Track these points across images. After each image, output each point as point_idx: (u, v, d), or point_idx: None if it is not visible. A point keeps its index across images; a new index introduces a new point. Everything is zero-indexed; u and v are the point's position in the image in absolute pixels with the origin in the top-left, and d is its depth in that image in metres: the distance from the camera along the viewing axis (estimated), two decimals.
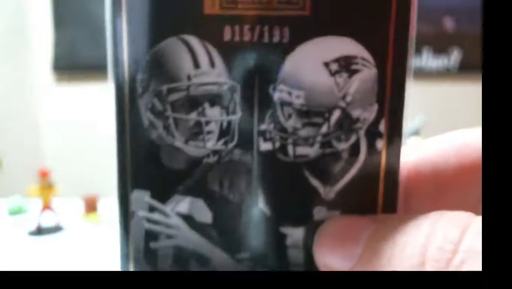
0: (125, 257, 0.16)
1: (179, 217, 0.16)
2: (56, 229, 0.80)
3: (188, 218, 0.16)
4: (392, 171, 0.15)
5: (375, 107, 0.14)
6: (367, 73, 0.14)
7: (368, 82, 0.14)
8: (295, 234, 0.15)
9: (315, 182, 0.15)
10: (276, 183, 0.15)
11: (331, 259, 0.15)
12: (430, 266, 0.12)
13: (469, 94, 1.19)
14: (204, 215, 0.16)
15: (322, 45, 0.14)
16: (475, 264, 0.12)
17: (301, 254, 0.15)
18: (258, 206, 0.15)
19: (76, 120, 1.43)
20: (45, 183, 0.80)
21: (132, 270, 0.16)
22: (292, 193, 0.15)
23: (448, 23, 1.32)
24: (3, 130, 1.28)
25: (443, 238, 0.12)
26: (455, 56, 1.34)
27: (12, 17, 1.35)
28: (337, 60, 0.14)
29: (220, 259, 0.16)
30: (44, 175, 0.80)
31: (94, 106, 1.42)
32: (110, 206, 0.94)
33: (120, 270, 0.16)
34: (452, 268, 0.12)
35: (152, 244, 0.16)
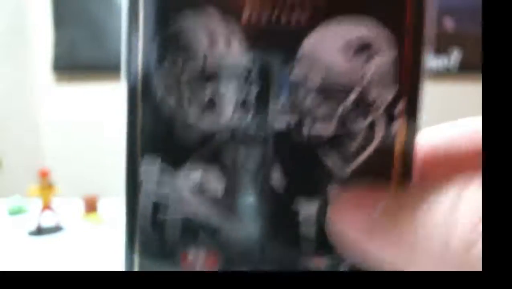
0: (131, 227, 0.16)
1: (190, 187, 0.16)
2: (56, 229, 0.80)
3: (199, 188, 0.16)
4: (408, 153, 0.15)
5: (393, 89, 0.14)
6: (385, 55, 0.14)
7: (385, 65, 0.14)
8: (308, 210, 0.15)
9: (329, 161, 0.15)
10: (290, 160, 0.15)
11: (347, 224, 0.14)
12: (458, 236, 0.12)
13: (469, 94, 1.19)
14: (216, 187, 0.16)
15: (340, 28, 0.14)
16: None
17: (313, 230, 0.15)
18: (271, 181, 0.15)
19: (76, 120, 1.43)
20: (45, 183, 0.80)
21: (138, 241, 0.16)
22: (306, 170, 0.15)
23: (448, 23, 1.32)
24: (3, 130, 1.28)
25: (471, 204, 0.12)
26: (455, 56, 1.34)
27: (12, 17, 1.35)
28: (355, 43, 0.14)
29: (230, 230, 0.16)
30: (44, 175, 0.80)
31: (94, 106, 1.42)
32: (110, 206, 0.94)
33: (125, 243, 0.16)
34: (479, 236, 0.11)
35: (161, 215, 0.16)
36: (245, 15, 0.15)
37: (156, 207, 0.16)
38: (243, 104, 0.15)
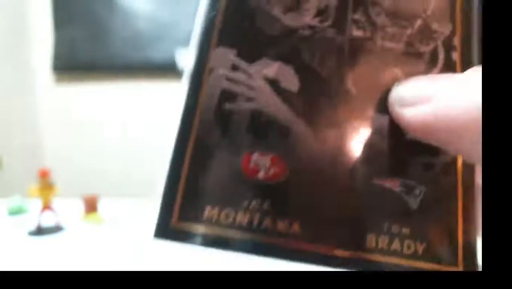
0: (189, 115, 0.15)
1: (264, 80, 0.15)
2: (56, 229, 0.80)
3: (273, 83, 0.15)
4: None
5: (449, 25, 0.17)
6: None
7: (442, 4, 0.17)
8: (380, 120, 0.15)
9: (399, 74, 0.16)
10: (364, 67, 0.16)
11: (408, 96, 0.15)
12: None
13: None
14: (292, 82, 0.15)
15: None
16: None
17: (385, 142, 0.15)
18: (346, 85, 0.16)
19: (76, 120, 1.43)
20: (45, 183, 0.80)
21: (195, 133, 0.14)
22: (379, 80, 0.16)
23: None
24: (3, 130, 1.28)
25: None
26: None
27: (12, 17, 1.35)
28: None
29: (302, 132, 0.15)
30: (44, 175, 0.80)
31: (94, 106, 1.42)
32: (110, 206, 0.94)
33: (178, 130, 0.14)
34: None
35: (228, 105, 0.15)
36: None
37: (225, 95, 0.15)
38: (324, 10, 0.16)
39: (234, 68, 0.15)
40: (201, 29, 0.16)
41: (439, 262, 0.14)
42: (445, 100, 0.14)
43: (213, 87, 0.15)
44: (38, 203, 0.81)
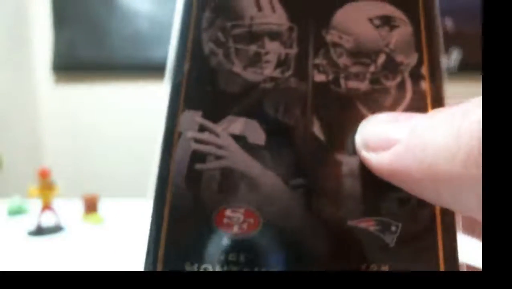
0: (162, 183, 0.15)
1: (231, 137, 0.16)
2: (56, 229, 0.80)
3: (240, 139, 0.16)
4: (437, 107, 0.16)
5: (415, 54, 0.17)
6: (404, 29, 0.17)
7: (406, 36, 0.17)
8: (350, 163, 0.15)
9: (367, 113, 0.16)
10: (330, 111, 0.16)
11: (371, 140, 0.15)
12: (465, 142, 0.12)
13: (469, 94, 1.19)
14: (258, 136, 0.16)
15: (365, 5, 0.17)
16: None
17: (357, 184, 0.15)
18: (313, 132, 0.16)
19: (76, 120, 1.43)
20: (45, 183, 0.80)
21: (169, 197, 0.15)
22: (346, 122, 0.16)
23: (448, 23, 1.32)
24: (3, 130, 1.28)
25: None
26: (455, 56, 1.34)
27: (12, 17, 1.35)
28: (379, 18, 0.17)
29: (272, 183, 0.15)
30: (44, 175, 0.80)
31: (94, 106, 1.42)
32: (110, 206, 0.94)
33: (154, 196, 0.15)
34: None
35: (198, 166, 0.15)
36: None
37: (194, 156, 0.15)
38: (285, 60, 0.17)
39: (202, 129, 0.16)
40: (168, 95, 0.16)
41: None
42: (413, 140, 0.13)
43: (183, 150, 0.16)
44: (38, 203, 0.81)
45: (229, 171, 0.15)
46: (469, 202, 0.13)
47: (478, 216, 0.13)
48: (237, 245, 0.15)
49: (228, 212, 0.15)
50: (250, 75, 0.16)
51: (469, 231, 0.17)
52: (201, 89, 0.16)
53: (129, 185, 1.41)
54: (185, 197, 0.15)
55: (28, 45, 1.41)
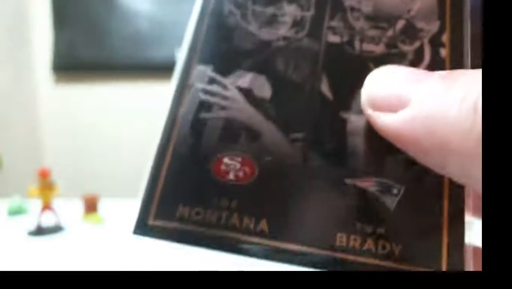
0: (169, 128, 0.16)
1: (238, 90, 0.16)
2: (56, 229, 0.80)
3: (247, 92, 0.16)
4: None
5: (437, 22, 0.16)
6: None
7: (429, 3, 0.17)
8: (356, 121, 0.15)
9: None
10: (341, 71, 0.16)
11: (380, 97, 0.14)
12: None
13: None
14: (264, 90, 0.16)
15: None
16: None
17: (360, 142, 0.15)
18: (321, 90, 0.16)
19: (76, 120, 1.43)
20: (45, 183, 0.80)
21: (173, 142, 0.16)
22: (356, 82, 0.15)
23: None
24: (3, 130, 1.28)
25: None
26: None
27: (12, 17, 1.35)
28: None
29: (272, 135, 0.15)
30: (44, 175, 0.80)
31: (94, 106, 1.42)
32: (110, 206, 0.94)
33: (160, 138, 0.16)
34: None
35: (203, 114, 0.16)
36: None
37: (201, 106, 0.16)
38: (300, 21, 0.17)
39: (211, 81, 0.16)
40: (186, 50, 0.17)
41: (418, 262, 0.14)
42: (426, 106, 0.12)
43: (191, 100, 0.16)
44: (38, 203, 0.81)
45: (231, 121, 0.16)
46: (478, 176, 0.12)
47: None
48: (230, 191, 0.15)
49: (226, 160, 0.15)
50: (265, 34, 0.17)
51: (478, 213, 0.16)
52: (216, 46, 0.17)
53: (129, 185, 1.41)
54: (187, 142, 0.16)
55: (28, 45, 1.41)
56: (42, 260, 0.67)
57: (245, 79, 0.16)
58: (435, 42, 0.16)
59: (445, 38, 0.16)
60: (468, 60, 0.16)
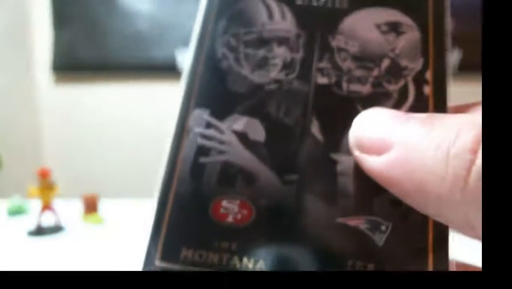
0: (170, 172, 0.17)
1: (234, 134, 0.17)
2: (56, 229, 0.80)
3: (242, 135, 0.17)
4: (439, 113, 0.16)
5: (421, 60, 0.17)
6: (412, 35, 0.17)
7: (413, 41, 0.17)
8: (346, 162, 0.16)
9: None
10: (330, 112, 0.17)
11: (366, 141, 0.15)
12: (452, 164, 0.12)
13: (469, 94, 1.19)
14: (258, 133, 0.17)
15: (374, 12, 0.18)
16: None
17: (350, 182, 0.16)
18: (312, 131, 0.17)
19: (76, 120, 1.43)
20: (45, 183, 0.80)
21: (175, 186, 0.16)
22: (345, 123, 0.16)
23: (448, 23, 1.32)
24: (3, 130, 1.28)
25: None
26: (455, 56, 1.34)
27: (12, 17, 1.35)
28: (386, 24, 0.18)
29: (267, 178, 0.16)
30: (44, 175, 0.80)
31: (94, 106, 1.42)
32: (110, 206, 0.94)
33: (162, 184, 0.16)
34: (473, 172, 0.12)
35: (202, 159, 0.17)
36: (299, 0, 0.18)
37: (200, 150, 0.17)
38: (290, 64, 0.18)
39: (208, 126, 0.17)
40: (182, 94, 0.18)
41: None
42: (406, 151, 0.13)
43: (190, 145, 0.17)
44: (38, 203, 0.81)
45: (229, 165, 0.17)
46: (455, 220, 0.13)
47: (464, 232, 0.13)
48: (230, 234, 0.16)
49: (224, 203, 0.16)
50: (257, 77, 0.18)
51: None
52: (211, 90, 0.18)
53: (129, 185, 1.41)
54: (188, 187, 0.16)
55: (28, 45, 1.41)
56: (42, 260, 0.67)
57: (240, 123, 0.17)
58: (419, 80, 0.17)
59: (428, 75, 0.17)
60: (449, 97, 0.17)
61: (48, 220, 0.81)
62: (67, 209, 0.90)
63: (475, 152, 0.12)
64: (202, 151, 0.17)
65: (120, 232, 0.80)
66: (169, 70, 1.32)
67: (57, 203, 0.83)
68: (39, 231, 0.79)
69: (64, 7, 1.37)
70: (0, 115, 1.28)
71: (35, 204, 0.86)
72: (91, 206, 0.88)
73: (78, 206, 0.90)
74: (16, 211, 0.91)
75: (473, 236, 0.13)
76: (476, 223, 0.12)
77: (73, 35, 1.37)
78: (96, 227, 0.83)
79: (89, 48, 1.37)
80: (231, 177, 0.16)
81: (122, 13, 1.35)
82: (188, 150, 0.17)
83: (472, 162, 0.12)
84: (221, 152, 0.17)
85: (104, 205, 0.93)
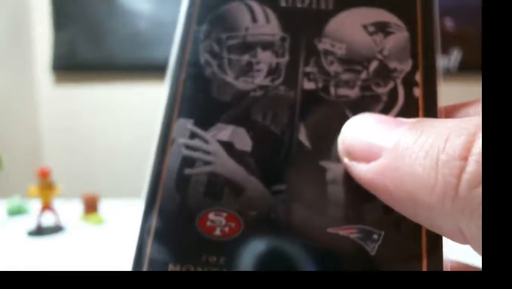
0: (154, 185, 0.16)
1: (219, 144, 0.16)
2: (56, 229, 0.80)
3: (227, 145, 0.16)
4: (429, 116, 0.16)
5: (410, 61, 0.16)
6: (400, 35, 0.17)
7: (401, 42, 0.17)
8: (335, 170, 0.15)
9: None
10: (318, 119, 0.16)
11: (356, 148, 0.14)
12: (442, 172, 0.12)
13: (469, 94, 1.19)
14: (244, 143, 0.16)
15: (361, 12, 0.17)
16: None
17: (340, 190, 0.15)
18: (299, 139, 0.16)
19: (76, 120, 1.43)
20: (45, 183, 0.80)
21: (159, 199, 0.16)
22: (333, 129, 0.16)
23: (448, 23, 1.32)
24: (3, 130, 1.28)
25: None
26: (455, 56, 1.34)
27: (12, 17, 1.35)
28: (373, 24, 0.17)
29: (255, 189, 0.16)
30: (44, 175, 0.80)
31: (94, 106, 1.42)
32: (110, 206, 0.94)
33: (145, 198, 0.16)
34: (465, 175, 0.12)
35: (187, 170, 0.16)
36: (283, 2, 0.17)
37: (184, 161, 0.16)
38: (275, 69, 0.17)
39: (192, 136, 0.16)
40: (165, 103, 0.17)
41: None
42: (394, 159, 0.13)
43: (174, 156, 0.16)
44: (38, 203, 0.81)
45: (215, 176, 0.16)
46: (446, 228, 0.13)
47: (455, 240, 0.13)
48: (218, 248, 0.15)
49: (211, 215, 0.15)
50: (241, 84, 0.17)
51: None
52: (194, 98, 0.17)
53: (129, 185, 1.41)
54: (173, 200, 0.16)
55: (28, 45, 1.41)
56: (42, 260, 0.67)
57: (226, 132, 0.16)
58: (408, 82, 0.16)
59: (418, 77, 0.16)
60: (439, 98, 0.16)
61: (48, 220, 0.81)
62: (67, 209, 0.90)
63: (465, 159, 0.12)
64: (187, 162, 0.16)
65: (120, 232, 0.80)
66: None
67: (57, 203, 0.83)
68: (39, 231, 0.79)
69: (64, 7, 1.36)
70: (0, 115, 1.28)
71: (35, 204, 0.86)
72: (91, 206, 0.88)
73: (78, 206, 0.90)
74: (16, 211, 0.91)
75: (464, 243, 0.13)
76: (467, 232, 0.12)
77: (73, 35, 1.37)
78: (96, 227, 0.83)
79: (89, 48, 1.37)
80: (218, 189, 0.16)
81: (122, 13, 1.35)
82: (172, 161, 0.16)
83: (462, 169, 0.12)
84: (206, 163, 0.16)
85: (104, 205, 0.93)
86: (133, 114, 1.40)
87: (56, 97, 1.43)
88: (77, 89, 1.42)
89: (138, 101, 1.39)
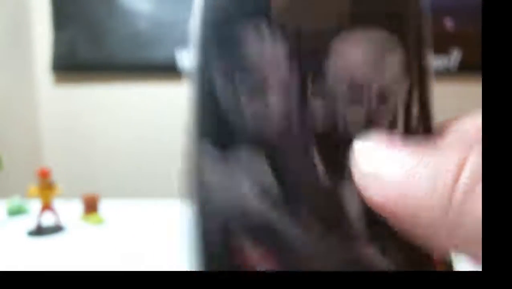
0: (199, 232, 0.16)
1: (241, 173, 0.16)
2: (56, 229, 0.80)
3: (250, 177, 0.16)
4: (427, 130, 0.17)
5: (407, 80, 0.17)
6: (399, 56, 0.17)
7: (400, 62, 0.17)
8: (350, 189, 0.16)
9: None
10: (329, 141, 0.17)
11: (365, 170, 0.15)
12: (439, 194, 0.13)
13: (469, 94, 1.19)
14: (268, 183, 0.16)
15: (363, 33, 0.17)
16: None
17: (356, 209, 0.16)
18: (317, 173, 0.16)
19: (76, 120, 1.43)
20: (45, 183, 0.80)
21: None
22: (344, 152, 0.16)
23: (448, 23, 1.32)
24: (3, 130, 1.28)
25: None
26: (455, 56, 1.34)
27: (12, 17, 1.35)
28: (375, 46, 0.17)
29: (282, 232, 0.16)
30: (44, 175, 0.80)
31: (94, 106, 1.42)
32: (110, 206, 0.94)
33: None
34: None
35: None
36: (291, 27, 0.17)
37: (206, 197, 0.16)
38: (286, 91, 0.17)
39: (215, 164, 0.17)
40: (193, 131, 0.17)
41: None
42: (398, 185, 0.14)
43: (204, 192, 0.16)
44: (38, 203, 0.81)
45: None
46: (438, 246, 0.13)
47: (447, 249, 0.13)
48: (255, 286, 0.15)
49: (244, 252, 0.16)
50: (254, 108, 0.17)
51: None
52: (214, 127, 0.17)
53: (129, 185, 1.41)
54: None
55: (28, 45, 1.41)
56: (42, 260, 0.67)
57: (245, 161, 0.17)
58: (407, 102, 0.17)
59: (414, 95, 0.17)
60: (433, 115, 0.17)
61: (48, 220, 0.81)
62: (67, 209, 0.90)
63: (456, 182, 0.12)
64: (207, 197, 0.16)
65: (120, 232, 0.80)
66: (169, 70, 1.32)
67: (57, 203, 0.83)
68: (39, 231, 0.79)
69: (64, 7, 1.37)
70: (0, 115, 1.28)
71: (35, 204, 0.86)
72: (91, 206, 0.88)
73: (78, 206, 0.90)
74: (16, 211, 0.91)
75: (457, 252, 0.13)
76: (463, 248, 0.12)
77: (73, 35, 1.37)
78: (96, 227, 0.83)
79: (89, 48, 1.37)
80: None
81: (122, 13, 1.35)
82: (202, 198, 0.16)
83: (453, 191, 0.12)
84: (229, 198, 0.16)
85: (104, 205, 0.93)
86: (133, 114, 1.40)
87: (56, 97, 1.43)
88: (77, 89, 1.42)
89: (138, 101, 1.39)
